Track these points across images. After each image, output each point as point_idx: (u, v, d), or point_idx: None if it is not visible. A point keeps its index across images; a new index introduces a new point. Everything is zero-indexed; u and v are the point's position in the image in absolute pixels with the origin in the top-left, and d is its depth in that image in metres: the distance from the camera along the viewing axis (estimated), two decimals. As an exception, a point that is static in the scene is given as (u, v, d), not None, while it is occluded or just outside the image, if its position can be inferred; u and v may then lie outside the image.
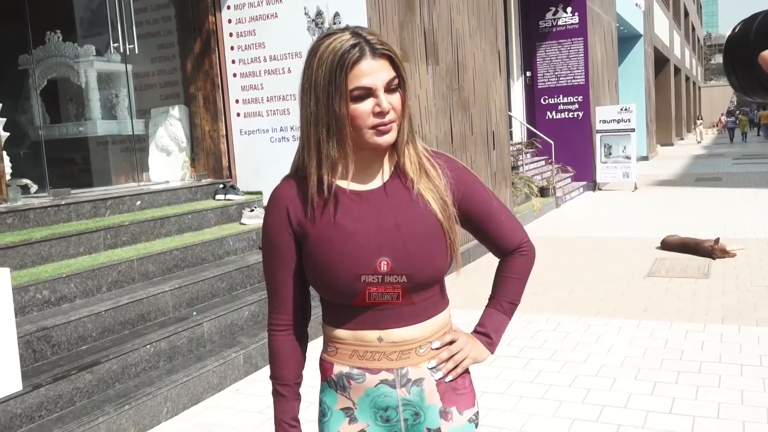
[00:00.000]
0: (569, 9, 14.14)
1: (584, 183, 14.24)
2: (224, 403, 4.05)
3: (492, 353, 1.66)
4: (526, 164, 12.21)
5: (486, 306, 1.70)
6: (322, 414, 1.61)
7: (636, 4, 20.52)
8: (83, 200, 5.16)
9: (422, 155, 1.56)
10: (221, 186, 6.37)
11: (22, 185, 5.51)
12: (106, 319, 4.12)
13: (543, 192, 11.75)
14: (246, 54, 6.54)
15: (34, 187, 5.62)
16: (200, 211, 5.80)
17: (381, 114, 1.43)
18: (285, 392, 1.59)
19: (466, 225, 1.63)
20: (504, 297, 1.68)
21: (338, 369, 1.56)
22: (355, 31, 1.44)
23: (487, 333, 1.66)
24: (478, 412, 1.64)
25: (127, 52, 6.43)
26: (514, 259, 1.67)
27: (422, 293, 1.52)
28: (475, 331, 1.67)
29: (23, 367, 3.45)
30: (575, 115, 14.35)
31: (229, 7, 6.56)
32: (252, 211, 6.08)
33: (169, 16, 6.99)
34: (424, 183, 1.53)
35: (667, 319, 5.21)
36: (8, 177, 5.02)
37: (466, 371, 1.63)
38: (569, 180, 13.85)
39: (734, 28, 1.23)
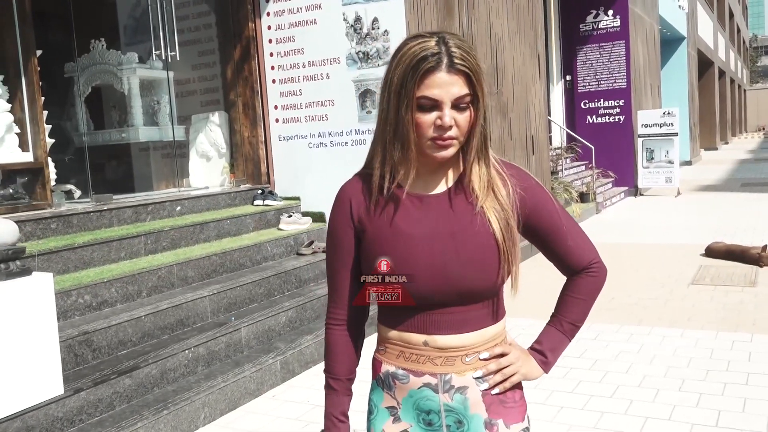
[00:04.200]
0: (611, 12, 13.93)
1: (625, 188, 14.00)
2: (261, 410, 4.06)
3: (546, 373, 1.61)
4: (565, 169, 12.05)
5: (547, 323, 1.65)
6: (370, 411, 1.63)
7: (679, 6, 20.15)
8: (125, 206, 5.24)
9: (493, 171, 1.52)
10: (260, 192, 6.41)
11: (66, 191, 5.61)
12: (146, 324, 4.16)
13: (583, 197, 11.57)
14: (285, 60, 6.58)
15: (77, 193, 5.72)
16: (239, 217, 5.85)
17: (441, 128, 1.42)
18: (336, 386, 1.61)
19: (534, 241, 1.60)
20: (566, 317, 1.63)
21: (386, 368, 1.58)
22: (442, 39, 1.42)
23: (543, 351, 1.61)
24: (528, 428, 1.58)
25: (169, 60, 6.52)
26: (581, 278, 1.63)
27: (473, 305, 1.50)
28: (532, 348, 1.62)
29: (65, 371, 3.50)
30: (616, 119, 14.13)
31: (269, 14, 6.61)
32: (290, 216, 6.10)
33: (210, 24, 7.07)
34: (489, 202, 1.49)
35: (713, 328, 5.07)
36: (53, 183, 5.12)
37: (518, 385, 1.59)
38: (610, 185, 13.63)
39: None
